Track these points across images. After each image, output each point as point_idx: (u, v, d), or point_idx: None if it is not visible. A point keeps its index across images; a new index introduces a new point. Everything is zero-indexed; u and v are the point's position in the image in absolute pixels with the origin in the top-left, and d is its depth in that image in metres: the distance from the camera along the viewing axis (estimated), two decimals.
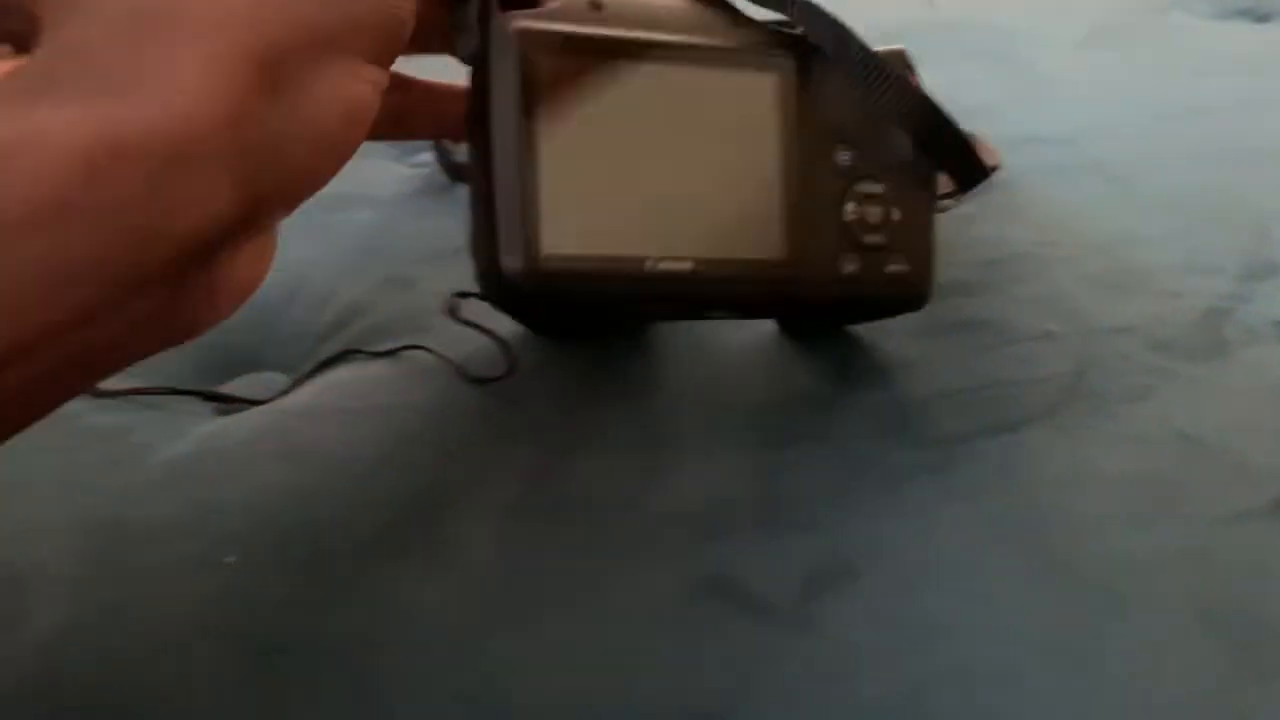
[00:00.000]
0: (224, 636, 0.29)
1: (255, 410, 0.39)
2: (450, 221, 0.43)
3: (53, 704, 0.28)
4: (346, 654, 0.28)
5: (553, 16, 0.30)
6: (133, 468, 0.35)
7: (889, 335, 0.38)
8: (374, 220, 0.52)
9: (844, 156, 0.34)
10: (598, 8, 0.31)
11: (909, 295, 0.35)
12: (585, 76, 0.30)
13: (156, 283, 0.21)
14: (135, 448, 0.36)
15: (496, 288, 0.34)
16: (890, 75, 0.32)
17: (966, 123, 0.34)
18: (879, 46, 0.33)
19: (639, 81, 0.31)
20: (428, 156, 0.60)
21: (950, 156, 0.34)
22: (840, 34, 0.32)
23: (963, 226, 0.44)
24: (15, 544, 0.31)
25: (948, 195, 0.39)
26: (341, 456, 0.35)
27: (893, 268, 0.34)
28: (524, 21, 0.30)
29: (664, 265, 0.31)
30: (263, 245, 0.26)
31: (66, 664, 0.29)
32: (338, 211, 0.53)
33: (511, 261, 0.30)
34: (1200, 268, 0.42)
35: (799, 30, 0.33)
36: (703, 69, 0.32)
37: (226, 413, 0.39)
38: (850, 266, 0.34)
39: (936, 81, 0.35)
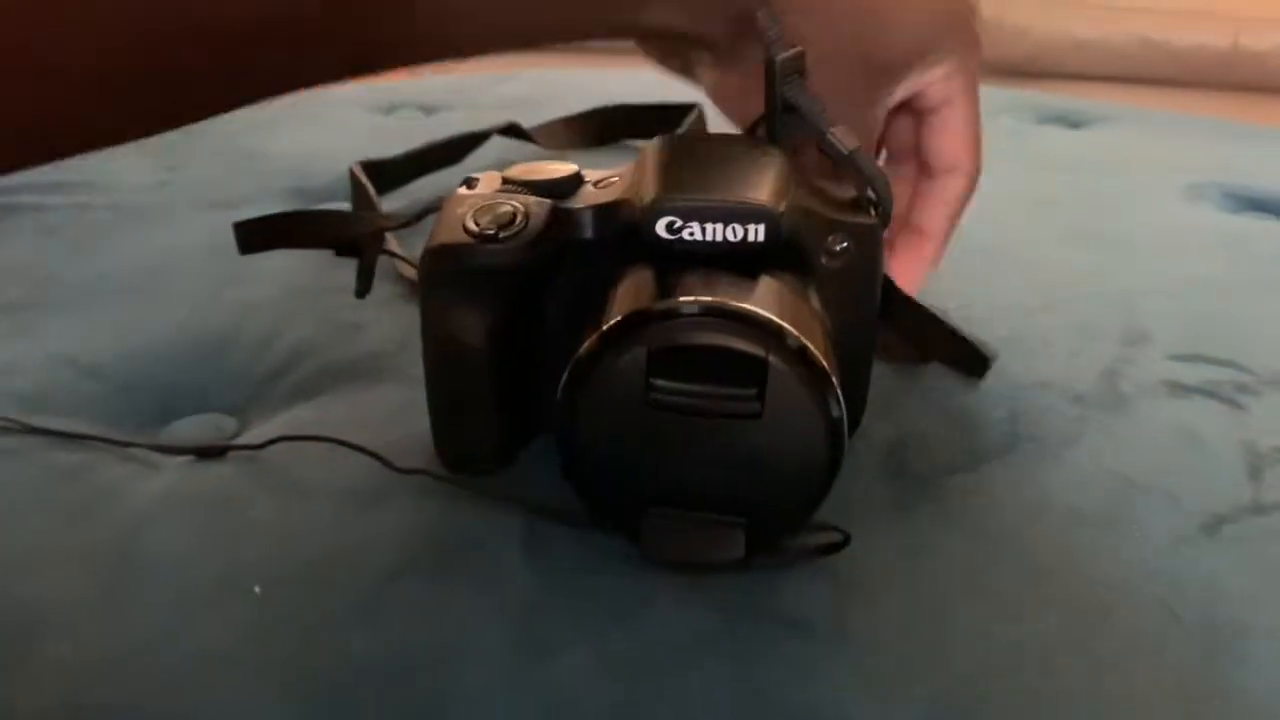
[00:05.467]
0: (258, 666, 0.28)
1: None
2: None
3: None
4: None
5: None
6: (117, 503, 0.33)
7: None
8: (292, 265, 0.52)
9: None
10: None
11: None
12: None
13: None
14: (113, 483, 0.35)
15: None
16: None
17: None
18: None
19: None
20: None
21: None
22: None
23: None
24: (16, 572, 0.29)
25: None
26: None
27: None
28: None
29: None
30: None
31: (85, 697, 0.27)
32: (259, 259, 0.52)
33: None
34: (1089, 334, 0.47)
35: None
36: None
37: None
38: None
39: None
